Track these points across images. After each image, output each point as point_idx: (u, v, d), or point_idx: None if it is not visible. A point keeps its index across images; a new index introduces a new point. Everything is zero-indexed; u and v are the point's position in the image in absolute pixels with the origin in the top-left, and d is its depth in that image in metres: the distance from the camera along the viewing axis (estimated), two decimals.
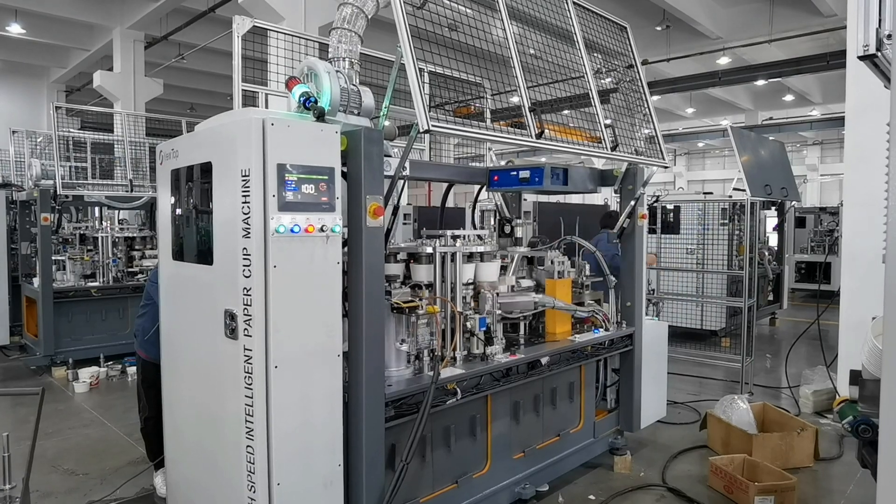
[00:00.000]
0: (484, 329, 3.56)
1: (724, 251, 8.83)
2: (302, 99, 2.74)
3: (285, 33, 4.41)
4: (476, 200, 5.07)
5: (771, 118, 20.66)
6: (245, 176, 2.49)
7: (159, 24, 13.70)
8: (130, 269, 8.17)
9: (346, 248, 2.84)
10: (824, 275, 12.31)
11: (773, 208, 10.12)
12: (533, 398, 4.06)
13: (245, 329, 2.53)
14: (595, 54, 4.47)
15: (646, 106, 4.80)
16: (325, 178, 2.64)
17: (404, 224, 8.12)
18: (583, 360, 4.30)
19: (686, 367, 7.70)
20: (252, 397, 2.53)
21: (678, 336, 8.27)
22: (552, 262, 4.33)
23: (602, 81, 4.49)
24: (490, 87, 4.68)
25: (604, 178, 4.75)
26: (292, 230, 2.54)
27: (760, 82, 15.72)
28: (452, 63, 3.17)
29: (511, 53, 3.48)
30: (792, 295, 12.55)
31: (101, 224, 8.43)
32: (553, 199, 8.52)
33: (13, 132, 10.28)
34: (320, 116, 2.72)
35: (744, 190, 7.10)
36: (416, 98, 2.73)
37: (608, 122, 4.27)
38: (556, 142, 3.74)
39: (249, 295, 2.51)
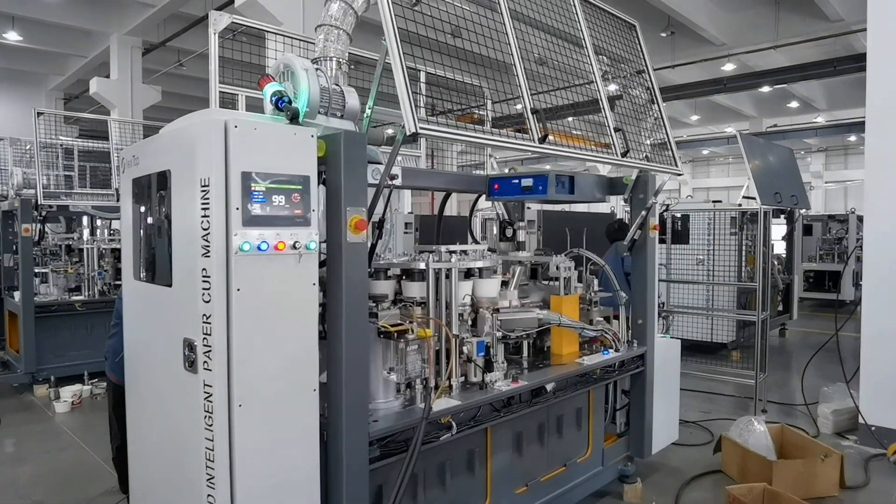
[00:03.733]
0: (483, 354, 3.23)
1: (733, 261, 8.49)
2: (274, 99, 2.44)
3: (276, 33, 4.15)
4: (472, 209, 4.76)
5: (775, 125, 20.36)
6: (204, 186, 2.16)
7: (157, 30, 13.47)
8: (117, 283, 7.84)
9: (324, 268, 2.52)
10: (833, 284, 11.98)
11: (783, 216, 9.80)
12: (537, 427, 3.71)
13: (205, 362, 2.19)
14: (601, 56, 4.17)
15: (657, 109, 4.49)
16: (299, 187, 2.31)
17: (405, 234, 7.80)
18: (591, 384, 3.96)
19: (695, 383, 7.32)
20: (213, 440, 2.18)
21: (686, 349, 7.91)
22: (558, 268, 3.99)
23: (608, 87, 4.19)
24: (490, 94, 4.41)
25: (612, 187, 4.43)
26: (259, 248, 2.20)
27: (765, 89, 15.46)
28: (451, 68, 2.89)
29: (512, 50, 3.17)
30: (800, 304, 12.20)
31: (90, 235, 8.13)
32: (558, 207, 8.19)
33: None
34: (294, 118, 2.41)
35: (754, 198, 6.80)
36: (402, 97, 2.41)
37: (616, 126, 3.96)
38: (561, 147, 3.43)
39: (209, 323, 2.17)
